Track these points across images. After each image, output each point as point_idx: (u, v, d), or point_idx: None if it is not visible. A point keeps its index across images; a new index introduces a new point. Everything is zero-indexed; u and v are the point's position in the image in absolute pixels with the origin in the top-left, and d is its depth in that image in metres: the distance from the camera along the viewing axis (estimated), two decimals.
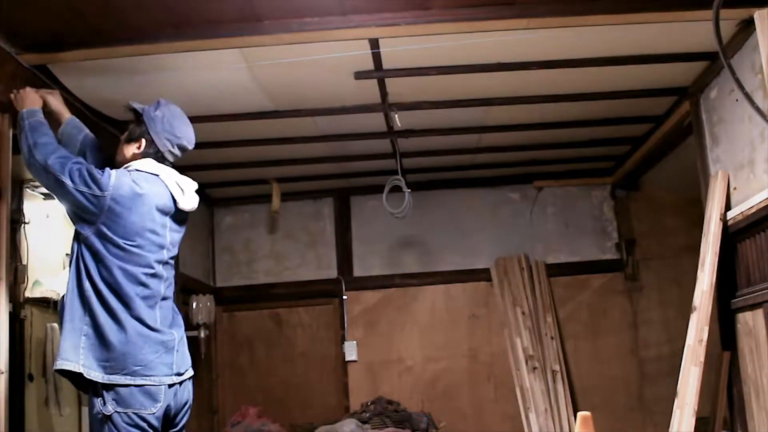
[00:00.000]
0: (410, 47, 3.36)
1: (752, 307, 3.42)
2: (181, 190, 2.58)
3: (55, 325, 5.02)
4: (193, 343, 5.07)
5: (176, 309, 2.63)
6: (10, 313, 2.94)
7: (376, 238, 5.78)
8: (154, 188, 2.51)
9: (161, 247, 2.51)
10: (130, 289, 2.38)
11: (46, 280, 5.05)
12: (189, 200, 2.61)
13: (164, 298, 2.52)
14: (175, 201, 2.56)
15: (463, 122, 4.47)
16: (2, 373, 2.78)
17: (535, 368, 5.30)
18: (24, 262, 4.77)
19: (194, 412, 5.05)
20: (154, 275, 2.46)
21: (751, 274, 3.47)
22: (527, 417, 5.20)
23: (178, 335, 2.53)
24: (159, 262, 2.49)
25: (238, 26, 3.02)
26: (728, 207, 3.64)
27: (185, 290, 5.01)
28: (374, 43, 3.28)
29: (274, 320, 5.77)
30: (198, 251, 5.45)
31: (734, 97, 3.50)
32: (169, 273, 2.56)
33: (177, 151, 2.62)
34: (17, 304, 4.65)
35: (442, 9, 3.01)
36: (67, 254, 5.52)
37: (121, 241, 2.39)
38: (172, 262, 2.59)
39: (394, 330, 5.69)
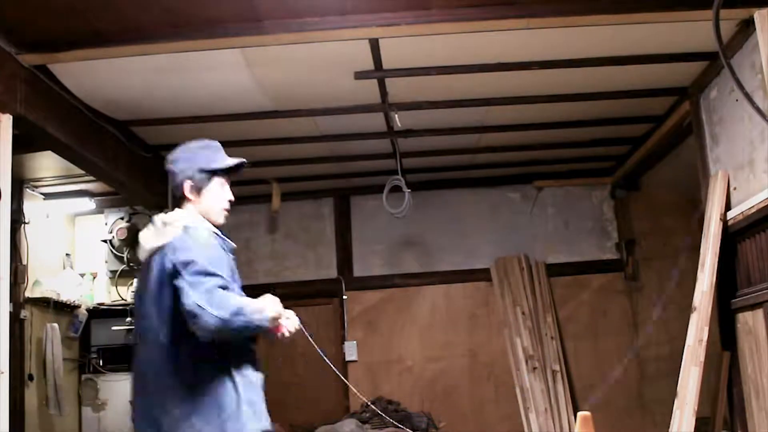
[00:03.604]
0: (410, 47, 3.36)
1: (752, 307, 3.42)
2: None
3: (56, 325, 5.03)
4: None
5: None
6: (10, 313, 2.93)
7: (376, 238, 5.78)
8: None
9: None
10: None
11: (46, 280, 5.05)
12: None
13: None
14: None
15: (463, 122, 4.47)
16: (2, 373, 2.77)
17: (535, 368, 5.30)
18: (24, 262, 4.77)
19: None
20: None
21: (751, 274, 3.47)
22: (527, 417, 5.20)
23: None
24: None
25: (238, 26, 3.02)
26: (728, 207, 3.64)
27: None
28: (374, 43, 3.28)
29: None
30: None
31: (734, 97, 3.49)
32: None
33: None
34: (17, 304, 4.65)
35: (442, 9, 3.01)
36: (67, 254, 5.54)
37: None
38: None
39: (394, 330, 5.69)
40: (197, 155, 2.38)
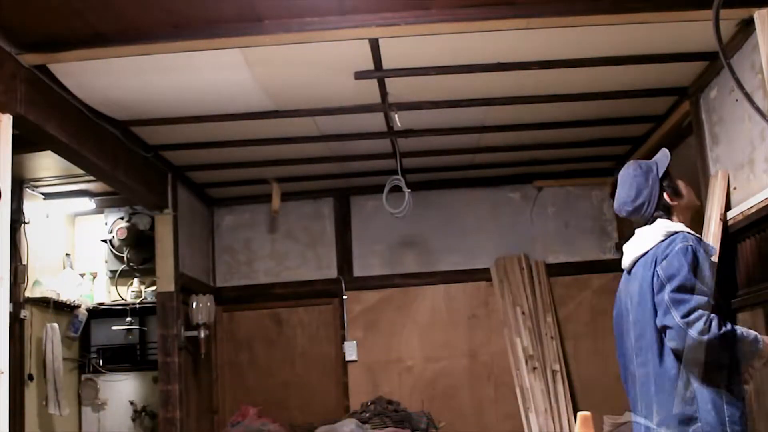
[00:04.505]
0: (410, 47, 3.36)
1: (752, 307, 3.42)
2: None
3: (55, 325, 5.03)
4: (193, 343, 5.09)
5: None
6: (10, 313, 2.93)
7: (376, 238, 5.78)
8: None
9: None
10: None
11: (46, 280, 5.06)
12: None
13: None
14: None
15: (463, 122, 4.47)
16: (2, 373, 2.77)
17: (535, 368, 5.30)
18: (24, 262, 4.78)
19: (194, 412, 5.07)
20: None
21: (751, 274, 3.46)
22: (527, 417, 5.21)
23: None
24: None
25: (238, 26, 3.02)
26: (728, 207, 3.64)
27: (185, 290, 5.01)
28: (374, 43, 3.28)
29: (274, 320, 5.77)
30: (198, 251, 5.45)
31: (734, 97, 3.49)
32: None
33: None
34: (17, 304, 4.66)
35: (442, 9, 3.00)
36: (67, 254, 5.55)
37: None
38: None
39: (394, 330, 5.69)
40: (659, 164, 2.57)
